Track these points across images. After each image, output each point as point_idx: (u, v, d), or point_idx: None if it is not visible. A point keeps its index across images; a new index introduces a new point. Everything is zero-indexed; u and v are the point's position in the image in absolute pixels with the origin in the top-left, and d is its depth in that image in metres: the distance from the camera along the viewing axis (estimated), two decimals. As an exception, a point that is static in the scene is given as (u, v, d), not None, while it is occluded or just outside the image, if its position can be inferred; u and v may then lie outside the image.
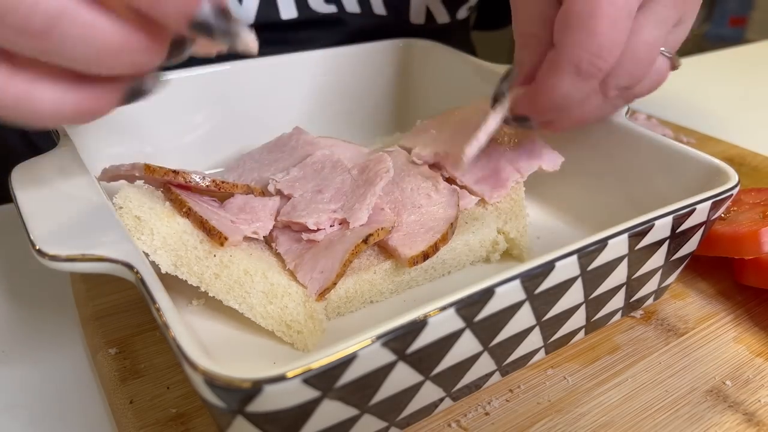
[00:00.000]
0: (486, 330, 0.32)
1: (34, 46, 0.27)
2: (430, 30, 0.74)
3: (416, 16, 0.73)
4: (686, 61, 1.10)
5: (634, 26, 0.37)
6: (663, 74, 0.41)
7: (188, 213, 0.40)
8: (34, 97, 0.28)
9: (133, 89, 0.32)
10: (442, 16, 0.74)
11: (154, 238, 0.38)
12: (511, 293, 0.31)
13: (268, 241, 0.44)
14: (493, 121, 0.44)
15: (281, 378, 0.25)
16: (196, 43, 0.31)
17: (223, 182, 0.43)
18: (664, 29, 0.38)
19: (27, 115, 0.29)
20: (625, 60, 0.38)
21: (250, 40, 0.29)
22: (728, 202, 0.40)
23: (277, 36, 0.67)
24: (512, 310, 0.33)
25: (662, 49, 0.40)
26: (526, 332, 0.36)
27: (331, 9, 0.69)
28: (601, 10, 0.35)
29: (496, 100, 0.45)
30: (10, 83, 0.28)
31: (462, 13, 0.77)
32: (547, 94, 0.39)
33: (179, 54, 0.31)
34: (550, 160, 0.49)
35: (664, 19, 0.38)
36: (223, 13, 0.28)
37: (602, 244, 0.34)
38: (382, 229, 0.42)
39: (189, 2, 0.27)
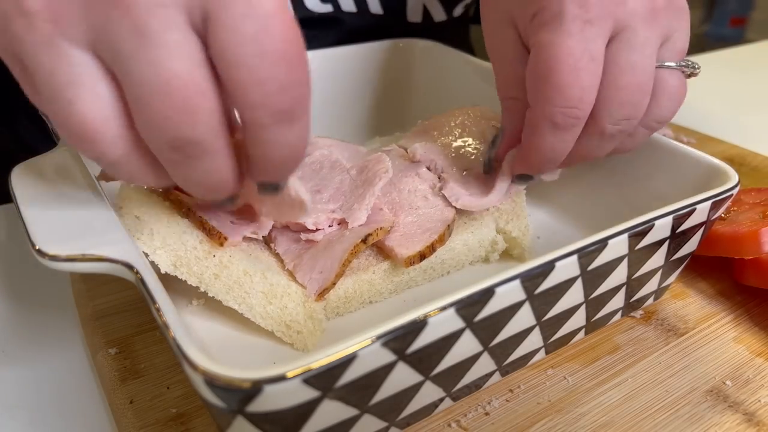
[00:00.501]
0: (486, 330, 0.32)
1: (175, 160, 0.29)
2: (427, 28, 0.74)
3: (413, 15, 0.73)
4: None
5: (607, 60, 0.37)
6: (679, 89, 0.40)
7: (188, 213, 0.40)
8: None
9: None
10: (438, 14, 0.74)
11: (153, 238, 0.38)
12: (511, 293, 0.31)
13: (267, 241, 0.44)
14: (498, 195, 0.45)
15: (281, 378, 0.25)
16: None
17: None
18: (646, 51, 0.38)
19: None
20: (610, 95, 0.37)
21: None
22: (728, 202, 0.40)
23: None
24: (512, 310, 0.33)
25: (667, 63, 0.39)
26: (526, 332, 0.36)
27: (327, 8, 0.68)
28: (559, 64, 0.36)
29: (488, 166, 0.47)
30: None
31: (458, 11, 0.77)
32: (535, 152, 0.40)
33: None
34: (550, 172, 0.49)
35: (643, 41, 0.37)
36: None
37: (602, 244, 0.34)
38: (381, 228, 0.42)
39: (283, 167, 0.31)
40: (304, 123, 0.29)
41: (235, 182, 0.32)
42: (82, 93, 0.27)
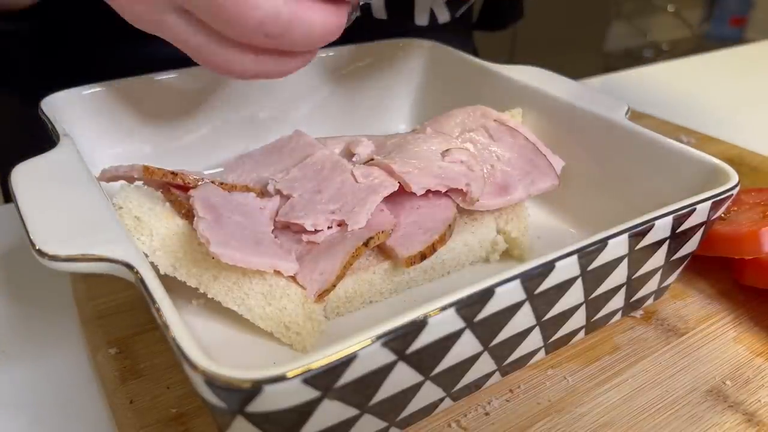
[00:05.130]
0: (486, 330, 0.32)
1: (271, 43, 0.36)
2: (430, 30, 0.74)
3: (420, 18, 0.73)
4: (686, 61, 1.10)
5: None
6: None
7: (188, 214, 0.40)
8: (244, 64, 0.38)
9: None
10: (443, 16, 0.75)
11: (153, 239, 0.38)
12: (511, 293, 0.31)
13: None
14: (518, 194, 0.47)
15: (281, 378, 0.25)
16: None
17: (221, 183, 0.43)
18: None
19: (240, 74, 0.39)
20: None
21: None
22: (728, 202, 0.40)
23: None
24: (512, 310, 0.33)
25: None
26: (526, 332, 0.36)
27: None
28: None
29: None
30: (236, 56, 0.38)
31: (459, 12, 0.77)
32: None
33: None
34: (550, 180, 0.49)
35: None
36: None
37: (602, 244, 0.34)
38: (382, 232, 0.42)
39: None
40: None
41: (332, 21, 0.36)
42: None
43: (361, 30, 0.66)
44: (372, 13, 0.70)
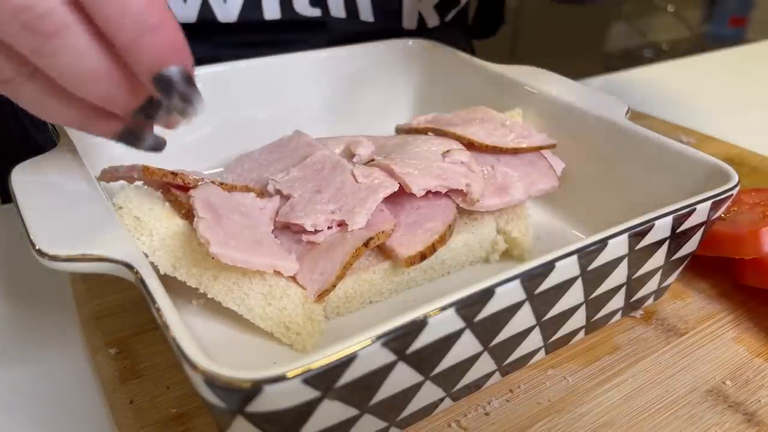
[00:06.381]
0: (486, 330, 0.32)
1: (34, 46, 0.29)
2: (419, 34, 0.73)
3: (408, 22, 0.73)
4: (686, 61, 1.10)
5: None
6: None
7: (188, 214, 0.40)
8: (48, 104, 0.33)
9: (125, 131, 0.35)
10: (432, 20, 0.74)
11: (153, 239, 0.38)
12: (511, 293, 0.31)
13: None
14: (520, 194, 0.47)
15: (281, 378, 0.25)
16: (159, 112, 0.34)
17: (221, 183, 0.43)
18: None
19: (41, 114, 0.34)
20: None
21: (196, 111, 0.32)
22: (728, 202, 0.40)
23: (259, 37, 0.67)
24: (512, 310, 0.33)
25: None
26: (526, 332, 0.36)
27: (316, 13, 0.68)
28: None
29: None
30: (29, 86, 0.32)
31: (450, 16, 0.76)
32: None
33: (148, 112, 0.33)
34: (550, 181, 0.49)
35: None
36: (188, 78, 0.31)
37: (602, 244, 0.34)
38: (382, 232, 0.42)
39: (162, 56, 0.30)
40: None
41: (115, 74, 0.31)
42: None
43: (350, 36, 0.66)
44: (359, 15, 0.70)
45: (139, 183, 0.42)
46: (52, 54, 0.30)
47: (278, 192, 0.46)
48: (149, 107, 0.33)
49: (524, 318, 0.34)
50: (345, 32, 0.69)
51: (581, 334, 0.41)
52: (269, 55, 0.59)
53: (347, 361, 0.26)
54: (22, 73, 0.32)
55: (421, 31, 0.74)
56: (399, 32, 0.72)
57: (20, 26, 0.28)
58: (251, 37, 0.67)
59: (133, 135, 0.36)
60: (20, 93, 0.32)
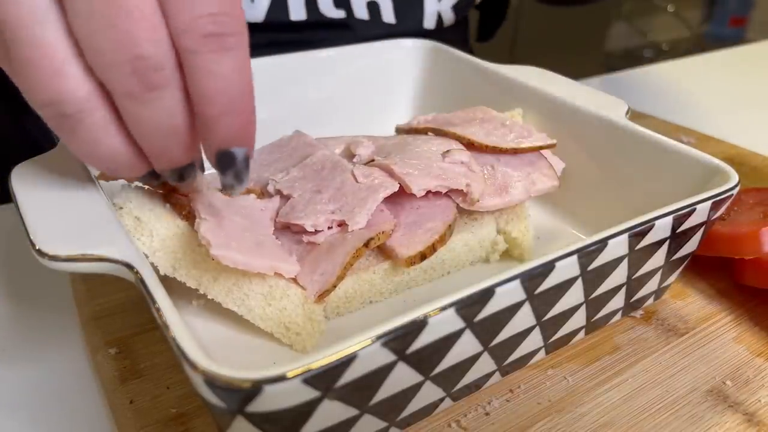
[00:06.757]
0: (486, 330, 0.32)
1: (135, 91, 0.30)
2: (433, 32, 0.74)
3: (429, 23, 0.74)
4: (686, 61, 1.10)
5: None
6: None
7: (188, 215, 0.40)
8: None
9: (147, 176, 0.35)
10: (449, 19, 0.76)
11: (153, 240, 0.38)
12: (511, 293, 0.31)
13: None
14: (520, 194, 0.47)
15: (281, 378, 0.25)
16: (191, 178, 0.35)
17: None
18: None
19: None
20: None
21: (238, 193, 0.35)
22: (728, 202, 0.40)
23: (285, 37, 0.68)
24: (512, 310, 0.33)
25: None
26: (526, 332, 0.36)
27: (340, 14, 0.69)
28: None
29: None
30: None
31: (463, 13, 0.78)
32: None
33: (185, 174, 0.35)
34: (550, 181, 0.49)
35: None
36: (248, 161, 0.33)
37: (602, 244, 0.34)
38: (382, 233, 0.42)
39: (234, 137, 0.31)
40: (240, 54, 0.30)
41: (188, 135, 0.32)
42: (45, 31, 0.28)
43: (372, 38, 0.66)
44: (381, 17, 0.71)
45: (139, 183, 0.42)
46: (146, 102, 0.30)
47: (278, 192, 0.46)
48: (189, 171, 0.34)
49: (524, 318, 0.34)
50: (368, 33, 0.70)
51: (581, 334, 0.41)
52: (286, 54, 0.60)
53: (347, 361, 0.26)
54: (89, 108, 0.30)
55: (439, 29, 0.75)
56: (419, 33, 0.73)
57: (131, 70, 0.28)
58: (277, 37, 0.67)
59: (153, 179, 0.36)
60: (83, 124, 0.30)
